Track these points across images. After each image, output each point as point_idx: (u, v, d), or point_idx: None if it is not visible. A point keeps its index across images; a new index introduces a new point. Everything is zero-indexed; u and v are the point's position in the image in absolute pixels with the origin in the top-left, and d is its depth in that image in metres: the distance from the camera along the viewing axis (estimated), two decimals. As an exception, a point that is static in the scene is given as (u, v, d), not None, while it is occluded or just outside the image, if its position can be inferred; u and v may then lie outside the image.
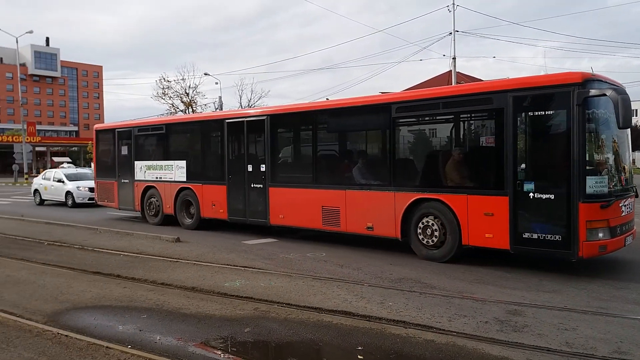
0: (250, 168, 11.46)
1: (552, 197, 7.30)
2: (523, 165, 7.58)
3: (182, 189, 13.00)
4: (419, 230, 8.79)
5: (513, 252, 7.77)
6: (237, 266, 8.47)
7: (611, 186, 7.35)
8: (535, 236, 7.45)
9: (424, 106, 9.04)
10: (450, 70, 29.72)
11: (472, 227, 8.12)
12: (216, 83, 50.70)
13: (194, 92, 48.33)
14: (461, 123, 8.80)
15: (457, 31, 28.72)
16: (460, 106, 8.49)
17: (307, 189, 10.39)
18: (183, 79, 47.89)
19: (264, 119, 11.23)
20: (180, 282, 7.40)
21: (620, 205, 7.47)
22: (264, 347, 5.07)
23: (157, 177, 13.69)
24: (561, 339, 4.91)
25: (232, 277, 7.70)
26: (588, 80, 7.16)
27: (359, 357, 4.62)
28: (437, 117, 9.10)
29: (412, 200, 8.83)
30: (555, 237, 7.25)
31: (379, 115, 9.55)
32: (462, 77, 32.81)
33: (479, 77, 35.48)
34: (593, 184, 7.11)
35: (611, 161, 7.52)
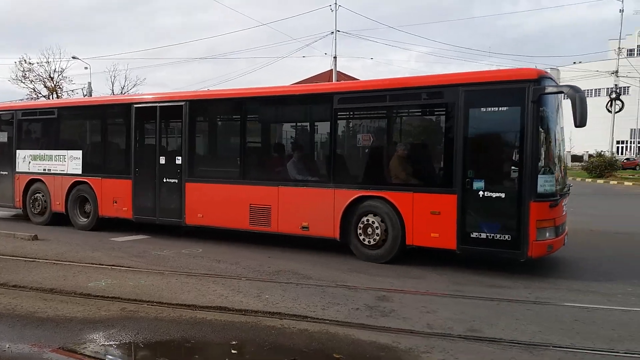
0: (162, 160, 10.24)
1: (503, 196, 7.20)
2: (473, 163, 7.41)
3: (76, 183, 11.39)
4: (359, 230, 8.28)
5: (459, 252, 7.60)
6: (102, 265, 7.88)
7: (557, 185, 7.46)
8: (483, 236, 7.29)
9: (370, 98, 8.52)
10: (332, 69, 30.54)
11: (417, 226, 7.78)
12: (85, 68, 46.12)
13: (60, 76, 44.18)
14: (409, 117, 8.61)
15: (339, 31, 29.61)
16: (409, 99, 8.23)
17: (233, 184, 9.48)
18: (47, 62, 43.50)
19: (181, 105, 10.10)
20: (36, 283, 6.70)
21: (562, 204, 7.65)
22: (130, 349, 4.76)
23: (45, 169, 11.97)
24: (423, 321, 5.28)
25: (97, 276, 7.15)
26: (542, 77, 7.18)
27: (233, 351, 4.54)
28: (384, 110, 8.50)
29: (353, 197, 8.28)
30: (504, 237, 7.16)
31: (319, 106, 9.02)
32: (342, 76, 33.93)
33: (357, 77, 36.95)
34: (543, 182, 7.13)
35: (557, 160, 7.69)
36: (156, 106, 10.57)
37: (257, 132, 10.08)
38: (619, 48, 39.42)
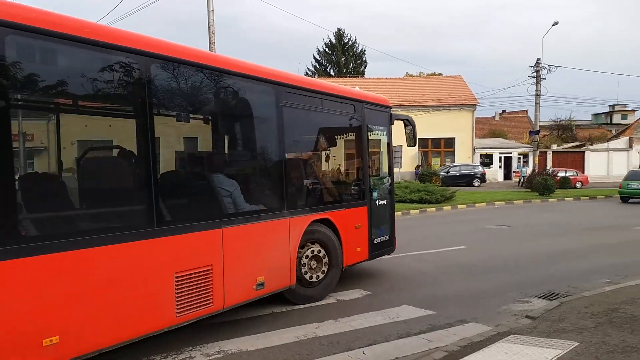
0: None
1: (385, 203, 8.18)
2: (371, 175, 7.87)
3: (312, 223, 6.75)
4: (304, 267, 6.44)
5: (369, 260, 7.81)
6: None
7: None
8: (378, 240, 7.89)
9: (311, 96, 6.65)
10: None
11: (348, 244, 7.13)
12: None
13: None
14: (335, 128, 7.70)
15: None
16: (335, 108, 7.18)
17: (136, 241, 4.35)
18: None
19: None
20: None
21: None
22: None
23: None
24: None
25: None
26: None
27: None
28: (323, 114, 7.00)
29: (307, 225, 6.38)
30: (386, 237, 8.16)
31: (261, 98, 6.08)
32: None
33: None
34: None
35: None
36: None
37: (180, 130, 5.75)
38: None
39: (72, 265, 3.86)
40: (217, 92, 5.54)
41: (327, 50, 57.43)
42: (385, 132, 8.34)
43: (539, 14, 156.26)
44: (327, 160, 7.80)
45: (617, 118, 70.93)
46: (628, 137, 45.21)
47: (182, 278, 4.72)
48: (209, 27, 18.21)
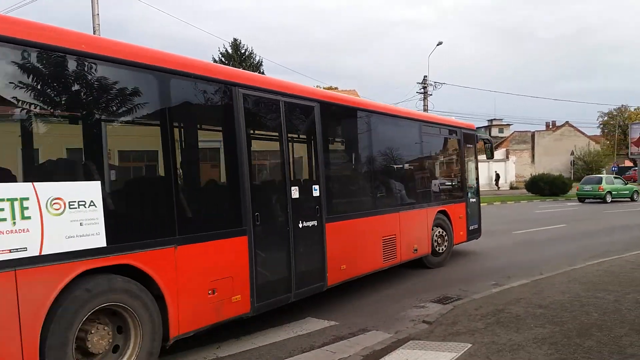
0: (295, 193, 6.27)
1: (475, 200, 11.59)
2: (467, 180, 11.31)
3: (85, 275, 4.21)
4: (434, 242, 9.81)
5: (467, 241, 11.13)
6: None
7: None
8: (472, 227, 11.26)
9: (439, 129, 10.63)
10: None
11: (455, 228, 10.47)
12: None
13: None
14: (445, 145, 11.15)
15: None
16: (452, 135, 11.18)
17: (368, 217, 7.95)
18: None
19: (312, 107, 6.84)
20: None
21: None
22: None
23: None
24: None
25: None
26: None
27: None
28: (449, 142, 11.21)
29: (436, 213, 9.87)
30: (475, 226, 11.54)
31: (411, 128, 9.64)
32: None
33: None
34: None
35: None
36: (279, 101, 6.26)
37: (381, 149, 8.66)
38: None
39: (349, 227, 7.36)
40: (397, 131, 9.08)
41: (223, 59, 56.61)
42: (473, 148, 11.73)
43: (426, 34, 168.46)
44: (442, 169, 10.99)
45: (495, 131, 77.70)
46: (505, 149, 49.77)
47: (384, 240, 8.27)
48: (94, 31, 17.10)
